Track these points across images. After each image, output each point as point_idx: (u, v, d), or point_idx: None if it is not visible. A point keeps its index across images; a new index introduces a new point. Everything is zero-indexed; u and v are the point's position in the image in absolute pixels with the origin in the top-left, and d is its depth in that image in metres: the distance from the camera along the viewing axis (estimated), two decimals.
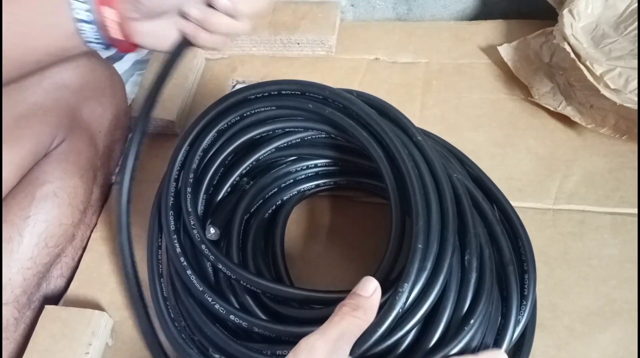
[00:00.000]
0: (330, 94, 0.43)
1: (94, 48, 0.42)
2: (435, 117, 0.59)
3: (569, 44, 0.54)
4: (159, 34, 0.42)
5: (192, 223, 0.41)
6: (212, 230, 0.42)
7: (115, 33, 0.40)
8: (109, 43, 0.42)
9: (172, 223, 0.42)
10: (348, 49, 0.67)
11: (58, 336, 0.44)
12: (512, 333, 0.39)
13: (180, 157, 0.44)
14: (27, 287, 0.47)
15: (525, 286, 0.41)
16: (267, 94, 0.45)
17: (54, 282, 0.51)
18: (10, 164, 0.45)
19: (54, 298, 0.50)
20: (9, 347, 0.46)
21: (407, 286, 0.34)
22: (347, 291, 0.38)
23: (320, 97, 0.44)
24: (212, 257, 0.40)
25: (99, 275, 0.51)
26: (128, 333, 0.47)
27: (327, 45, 0.65)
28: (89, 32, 0.40)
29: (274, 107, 0.45)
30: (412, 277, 0.35)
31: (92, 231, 0.54)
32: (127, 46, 0.42)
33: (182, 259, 0.41)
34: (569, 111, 0.56)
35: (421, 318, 0.36)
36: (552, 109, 0.57)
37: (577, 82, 0.54)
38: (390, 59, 0.65)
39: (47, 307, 0.46)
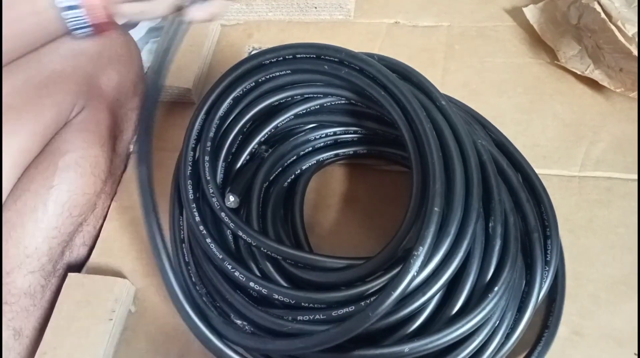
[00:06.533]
0: (346, 56, 0.42)
1: (76, 33, 0.43)
2: (457, 83, 0.57)
3: (599, 3, 0.52)
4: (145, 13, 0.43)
5: (211, 191, 0.41)
6: (231, 198, 0.42)
7: (100, 16, 0.42)
8: (91, 26, 0.42)
9: (191, 192, 0.42)
10: (367, 13, 0.65)
11: (82, 303, 0.45)
12: (536, 300, 0.38)
13: (196, 126, 0.44)
14: (52, 256, 0.47)
15: (548, 252, 0.41)
16: (281, 58, 0.44)
17: (77, 251, 0.51)
18: (34, 134, 0.46)
19: (77, 266, 0.51)
20: (36, 313, 0.47)
21: (422, 250, 0.34)
22: (367, 258, 0.38)
23: (336, 59, 0.43)
24: (232, 224, 0.40)
25: (120, 243, 0.51)
26: (150, 300, 0.47)
27: (346, 9, 0.64)
28: (73, 16, 0.41)
29: (289, 72, 0.44)
30: (428, 241, 0.34)
31: (112, 200, 0.54)
32: (107, 27, 0.43)
33: (201, 228, 0.41)
34: (597, 75, 0.54)
35: (444, 285, 0.35)
36: (579, 73, 0.55)
37: (607, 45, 0.52)
38: (410, 23, 0.63)
39: (71, 275, 0.47)
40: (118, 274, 0.49)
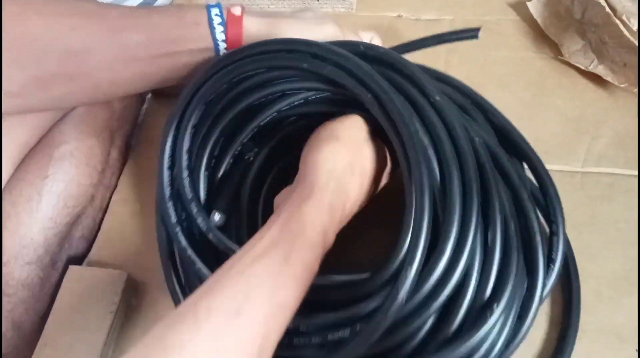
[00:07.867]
0: (320, 50, 0.39)
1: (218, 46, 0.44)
2: (460, 77, 0.55)
3: None
4: None
5: (195, 210, 0.40)
6: (217, 216, 0.41)
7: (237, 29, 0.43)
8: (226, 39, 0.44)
9: (173, 216, 0.40)
10: (369, 6, 0.64)
11: (83, 295, 0.45)
12: (537, 306, 0.37)
13: (168, 144, 0.42)
14: (49, 247, 0.47)
15: (553, 249, 0.40)
16: (249, 57, 0.40)
17: (76, 244, 0.51)
18: (35, 128, 0.46)
19: (77, 260, 0.51)
20: (36, 305, 0.47)
21: (411, 270, 0.31)
22: (369, 270, 0.36)
23: (308, 54, 0.39)
24: (221, 246, 0.39)
25: (121, 236, 0.51)
26: (151, 293, 0.47)
27: (348, 2, 0.63)
28: (219, 33, 0.43)
29: (264, 70, 0.41)
30: (417, 260, 0.32)
31: (112, 193, 0.54)
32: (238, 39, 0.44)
33: (189, 252, 0.40)
34: (600, 70, 0.53)
35: (439, 308, 0.33)
36: (582, 68, 0.54)
37: (611, 39, 0.51)
38: (413, 16, 0.63)
39: (71, 267, 0.47)
40: (119, 267, 0.49)
